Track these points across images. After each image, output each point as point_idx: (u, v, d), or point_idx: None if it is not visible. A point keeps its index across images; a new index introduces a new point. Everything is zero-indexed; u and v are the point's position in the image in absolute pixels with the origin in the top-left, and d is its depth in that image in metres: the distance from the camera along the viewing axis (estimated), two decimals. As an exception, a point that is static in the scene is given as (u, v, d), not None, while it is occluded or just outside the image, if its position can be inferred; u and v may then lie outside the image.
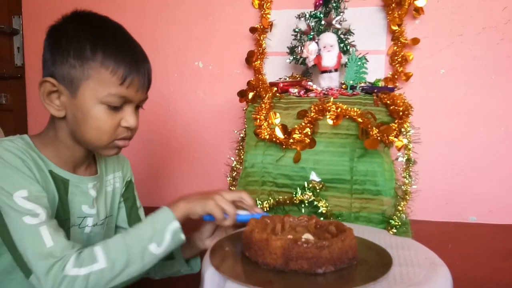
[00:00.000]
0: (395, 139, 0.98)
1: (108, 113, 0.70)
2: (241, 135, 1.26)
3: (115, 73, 0.68)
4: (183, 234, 0.69)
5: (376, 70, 1.31)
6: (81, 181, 0.78)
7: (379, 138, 0.96)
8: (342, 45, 1.17)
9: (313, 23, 1.20)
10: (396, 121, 0.99)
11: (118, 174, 0.90)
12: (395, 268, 0.63)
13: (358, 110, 1.00)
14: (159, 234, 0.66)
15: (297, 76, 1.34)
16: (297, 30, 1.23)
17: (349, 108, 1.01)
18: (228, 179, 1.22)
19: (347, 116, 1.01)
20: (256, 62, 1.37)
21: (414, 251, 0.73)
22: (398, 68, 1.29)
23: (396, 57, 1.29)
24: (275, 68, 1.40)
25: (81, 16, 0.73)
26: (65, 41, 0.69)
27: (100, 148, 0.74)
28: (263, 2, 1.37)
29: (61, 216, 0.73)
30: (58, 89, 0.69)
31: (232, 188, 1.19)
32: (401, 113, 0.99)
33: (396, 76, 1.29)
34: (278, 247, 0.60)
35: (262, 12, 1.38)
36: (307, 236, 0.68)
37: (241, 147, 1.24)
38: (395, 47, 1.30)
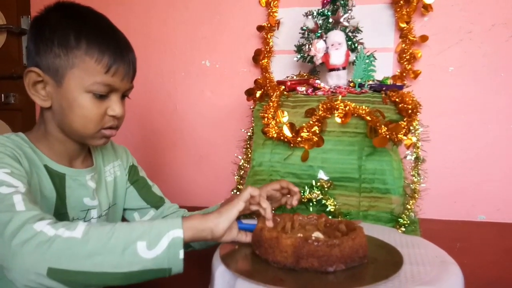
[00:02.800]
0: (404, 137, 0.97)
1: (94, 101, 0.71)
2: (249, 133, 1.26)
3: (100, 62, 0.69)
4: (183, 251, 0.58)
5: (384, 68, 1.30)
6: (79, 174, 0.78)
7: (388, 136, 0.95)
8: (350, 43, 1.17)
9: (320, 21, 1.19)
10: (405, 119, 0.99)
11: (117, 163, 0.92)
12: (406, 266, 0.62)
13: (366, 108, 1.00)
14: (155, 235, 0.57)
15: (305, 74, 1.33)
16: (304, 28, 1.22)
17: (358, 106, 1.00)
18: (235, 177, 1.22)
19: (356, 114, 1.01)
20: (263, 61, 1.37)
21: (424, 249, 0.72)
22: (407, 65, 1.28)
23: (404, 55, 1.28)
24: (282, 67, 1.40)
25: (64, 6, 0.73)
26: (49, 30, 0.69)
27: (87, 137, 0.74)
28: (270, 0, 1.36)
29: (59, 210, 0.74)
30: (43, 79, 0.70)
31: (239, 187, 1.19)
32: (410, 111, 0.99)
33: (404, 74, 1.28)
34: (288, 245, 0.60)
35: (269, 10, 1.37)
36: (317, 234, 0.68)
37: (248, 146, 1.24)
38: (403, 45, 1.29)
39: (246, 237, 0.69)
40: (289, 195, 0.85)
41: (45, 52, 0.69)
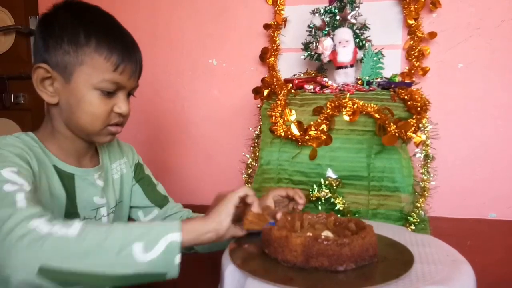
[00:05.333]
0: (413, 135, 0.96)
1: (101, 98, 0.72)
2: (256, 132, 1.25)
3: (108, 60, 0.70)
4: (180, 256, 0.56)
5: (392, 65, 1.29)
6: (87, 174, 0.79)
7: (397, 134, 0.94)
8: (357, 40, 1.16)
9: (327, 19, 1.18)
10: (414, 117, 0.98)
11: (123, 161, 0.93)
12: (417, 265, 0.62)
13: (375, 106, 0.99)
14: (153, 238, 0.55)
15: (312, 72, 1.33)
16: (311, 26, 1.22)
17: (366, 104, 1.00)
18: (243, 176, 1.22)
19: (364, 112, 1.00)
20: (270, 59, 1.37)
21: (435, 248, 0.71)
22: (415, 62, 1.27)
23: (412, 52, 1.27)
24: (289, 65, 1.39)
25: (73, 4, 0.74)
26: (58, 28, 0.70)
27: (94, 134, 0.75)
28: (277, -2, 1.36)
29: (69, 210, 0.74)
30: (52, 75, 0.71)
31: (247, 185, 1.19)
32: (419, 109, 0.98)
33: (412, 71, 1.27)
34: (298, 244, 0.59)
35: (276, 8, 1.37)
36: (327, 233, 0.68)
37: (256, 144, 1.24)
38: (412, 42, 1.28)
39: (242, 231, 0.69)
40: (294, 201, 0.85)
41: (54, 49, 0.70)
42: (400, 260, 0.63)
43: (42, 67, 0.70)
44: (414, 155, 1.08)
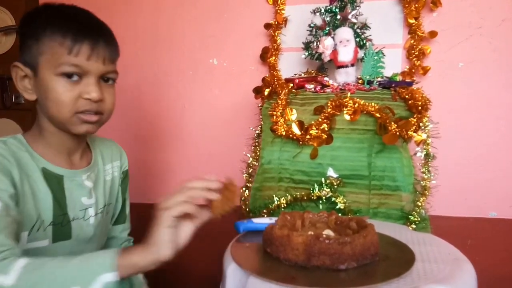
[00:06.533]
0: (414, 134, 0.96)
1: (66, 85, 0.72)
2: (257, 131, 1.25)
3: (62, 44, 0.70)
4: None
5: (393, 64, 1.29)
6: (75, 175, 0.79)
7: (397, 133, 0.95)
8: (358, 39, 1.16)
9: (328, 18, 1.19)
10: (415, 116, 0.98)
11: (116, 164, 0.93)
12: (418, 264, 0.62)
13: (376, 105, 0.99)
14: (88, 279, 0.55)
15: (312, 71, 1.33)
16: (312, 25, 1.22)
17: (367, 103, 1.00)
18: (244, 175, 1.22)
19: (365, 111, 1.00)
20: (270, 58, 1.37)
21: (436, 246, 0.72)
22: (415, 62, 1.27)
23: (413, 51, 1.27)
24: (290, 64, 1.39)
25: (50, 5, 0.76)
26: (24, 27, 0.74)
27: (65, 122, 0.74)
28: (277, -3, 1.36)
29: (58, 212, 0.75)
30: (25, 72, 0.73)
31: (248, 185, 1.19)
32: (420, 108, 0.98)
33: (413, 70, 1.27)
34: (300, 243, 0.60)
35: (277, 8, 1.37)
36: (328, 232, 0.68)
37: (257, 144, 1.24)
38: (412, 41, 1.28)
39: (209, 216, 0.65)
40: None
41: (23, 46, 0.74)
42: (402, 258, 0.63)
43: (17, 65, 0.73)
44: (415, 154, 1.08)
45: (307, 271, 0.59)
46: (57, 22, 0.72)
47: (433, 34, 1.27)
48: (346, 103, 1.01)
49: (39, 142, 0.77)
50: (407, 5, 1.27)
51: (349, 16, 1.16)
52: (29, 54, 0.72)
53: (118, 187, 0.94)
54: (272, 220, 0.75)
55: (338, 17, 1.17)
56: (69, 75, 0.71)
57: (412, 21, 1.27)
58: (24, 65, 0.73)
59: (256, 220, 0.77)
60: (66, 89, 0.72)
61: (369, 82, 1.11)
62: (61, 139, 0.78)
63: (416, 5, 1.26)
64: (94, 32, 0.74)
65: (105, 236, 0.92)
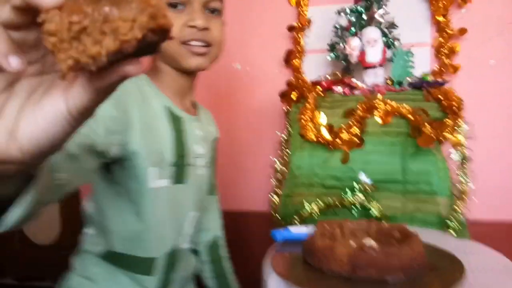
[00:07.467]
0: (451, 136, 0.93)
1: (171, 15, 0.70)
2: (283, 136, 1.24)
3: None
4: None
5: (421, 64, 1.26)
6: (190, 120, 0.79)
7: (433, 135, 0.92)
8: (385, 39, 1.13)
9: (353, 18, 1.16)
10: (450, 117, 0.95)
11: (211, 129, 0.91)
12: (469, 274, 0.59)
13: (408, 106, 0.96)
14: None
15: (338, 73, 1.30)
16: (337, 26, 1.20)
17: (399, 105, 0.97)
18: (272, 181, 1.21)
19: (397, 113, 0.97)
20: (295, 61, 1.35)
21: (482, 254, 0.69)
22: (445, 60, 1.24)
23: (442, 49, 1.24)
24: (313, 66, 1.37)
25: None
26: None
27: (175, 55, 0.72)
28: (300, -1, 1.34)
29: (178, 152, 0.73)
30: None
31: (277, 191, 1.17)
32: (455, 108, 0.95)
33: (443, 69, 1.24)
34: (344, 255, 0.58)
35: (300, 9, 1.35)
36: (369, 241, 0.66)
37: (284, 148, 1.23)
38: (441, 39, 1.24)
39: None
40: None
41: None
42: (450, 269, 0.61)
43: None
44: (449, 156, 1.05)
45: (352, 283, 0.57)
46: None
47: (462, 31, 1.23)
48: (377, 105, 0.98)
49: (159, 81, 0.76)
50: (434, 2, 1.24)
51: (376, 16, 1.13)
52: None
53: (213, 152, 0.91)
54: (309, 228, 0.73)
55: (364, 17, 1.14)
56: (173, 5, 0.71)
57: (440, 18, 1.24)
58: None
59: (294, 229, 0.75)
60: (172, 18, 0.69)
61: (399, 83, 1.08)
62: (175, 79, 0.76)
63: (444, 2, 1.23)
64: None
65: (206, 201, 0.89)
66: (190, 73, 0.77)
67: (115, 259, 0.73)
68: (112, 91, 0.30)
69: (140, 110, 0.68)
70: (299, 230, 0.74)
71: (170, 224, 0.75)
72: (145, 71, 0.77)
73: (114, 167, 0.69)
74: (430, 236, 0.77)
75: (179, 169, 0.74)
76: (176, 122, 0.75)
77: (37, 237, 1.67)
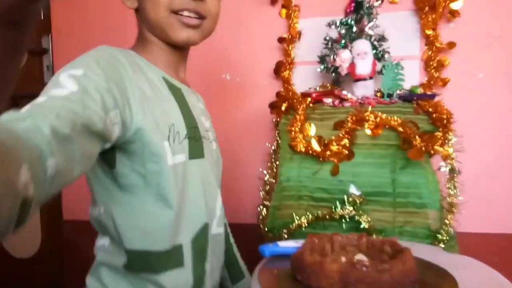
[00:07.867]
0: (441, 149, 0.93)
1: None
2: (273, 147, 1.22)
3: None
4: None
5: (411, 76, 1.26)
6: (189, 92, 0.73)
7: (423, 148, 0.91)
8: (375, 51, 1.14)
9: (344, 31, 1.16)
10: (440, 130, 0.95)
11: (203, 107, 0.84)
12: (461, 291, 0.58)
13: (398, 119, 0.96)
14: None
15: (328, 85, 1.30)
16: (327, 38, 1.20)
17: (389, 117, 0.97)
18: (261, 193, 1.19)
19: (387, 126, 0.97)
20: (284, 73, 1.35)
21: (476, 270, 0.67)
22: (434, 73, 1.24)
23: (431, 62, 1.24)
24: (303, 78, 1.37)
25: None
26: None
27: (164, 25, 0.66)
28: (290, 11, 1.34)
29: (189, 123, 0.67)
30: None
31: (266, 203, 1.15)
32: (445, 121, 0.95)
33: (432, 82, 1.24)
34: (334, 271, 0.56)
35: (290, 21, 1.35)
36: (360, 257, 0.64)
37: (273, 160, 1.21)
38: (430, 52, 1.25)
39: None
40: None
41: None
42: (442, 285, 0.59)
43: None
44: (439, 169, 1.04)
45: (342, 300, 0.55)
46: None
47: (451, 45, 1.24)
48: (367, 118, 0.98)
49: (150, 53, 0.70)
50: (423, 16, 1.25)
51: (366, 29, 1.14)
52: None
53: None
54: (299, 243, 0.71)
55: (354, 29, 1.14)
56: None
57: (429, 32, 1.25)
58: None
59: (282, 244, 0.73)
60: None
61: (389, 95, 1.08)
62: (164, 51, 0.70)
63: (433, 16, 1.24)
64: None
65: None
66: (180, 48, 0.72)
67: (140, 263, 0.63)
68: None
69: (136, 81, 0.61)
70: (288, 244, 0.72)
71: (201, 204, 0.68)
72: (131, 47, 0.72)
73: (120, 157, 0.61)
74: (421, 251, 0.76)
75: (195, 142, 0.68)
76: (177, 92, 0.68)
77: (17, 250, 1.59)
